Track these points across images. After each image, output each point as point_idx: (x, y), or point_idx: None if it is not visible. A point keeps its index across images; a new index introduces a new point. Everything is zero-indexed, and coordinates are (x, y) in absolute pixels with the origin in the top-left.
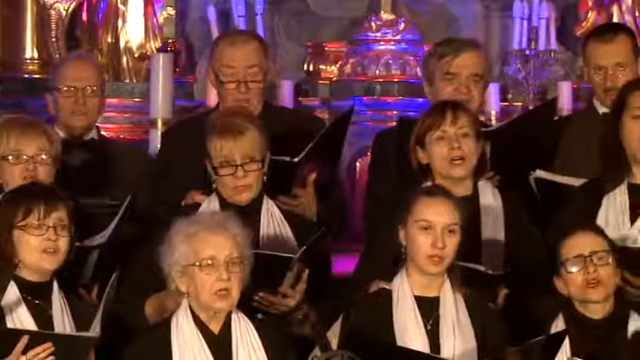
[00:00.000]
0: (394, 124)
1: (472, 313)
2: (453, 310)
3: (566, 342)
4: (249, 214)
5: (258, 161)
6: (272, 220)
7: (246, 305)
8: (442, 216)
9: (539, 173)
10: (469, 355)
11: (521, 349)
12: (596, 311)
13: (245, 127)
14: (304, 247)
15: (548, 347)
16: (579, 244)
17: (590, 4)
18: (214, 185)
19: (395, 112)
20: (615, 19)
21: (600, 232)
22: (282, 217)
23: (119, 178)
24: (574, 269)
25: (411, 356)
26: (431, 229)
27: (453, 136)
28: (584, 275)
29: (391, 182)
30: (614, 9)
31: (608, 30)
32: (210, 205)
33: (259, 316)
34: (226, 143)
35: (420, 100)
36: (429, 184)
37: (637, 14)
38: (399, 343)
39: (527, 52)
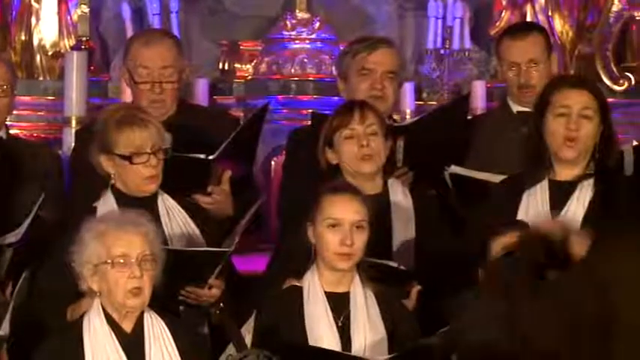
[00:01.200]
0: (309, 122)
1: (382, 308)
2: (364, 305)
3: None
4: (146, 209)
5: (164, 151)
6: (171, 213)
7: (166, 300)
8: (350, 213)
9: (455, 169)
10: (380, 350)
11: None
12: None
13: (148, 119)
14: (236, 240)
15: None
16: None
17: (504, 3)
18: (112, 182)
19: (310, 111)
20: (529, 19)
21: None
22: (179, 208)
23: (28, 177)
24: None
25: (321, 354)
26: (339, 226)
27: (362, 135)
28: None
29: (305, 180)
30: (528, 8)
31: (521, 28)
32: (107, 203)
33: (181, 308)
34: (139, 133)
35: (336, 98)
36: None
37: (550, 13)
38: (310, 339)
39: (441, 51)
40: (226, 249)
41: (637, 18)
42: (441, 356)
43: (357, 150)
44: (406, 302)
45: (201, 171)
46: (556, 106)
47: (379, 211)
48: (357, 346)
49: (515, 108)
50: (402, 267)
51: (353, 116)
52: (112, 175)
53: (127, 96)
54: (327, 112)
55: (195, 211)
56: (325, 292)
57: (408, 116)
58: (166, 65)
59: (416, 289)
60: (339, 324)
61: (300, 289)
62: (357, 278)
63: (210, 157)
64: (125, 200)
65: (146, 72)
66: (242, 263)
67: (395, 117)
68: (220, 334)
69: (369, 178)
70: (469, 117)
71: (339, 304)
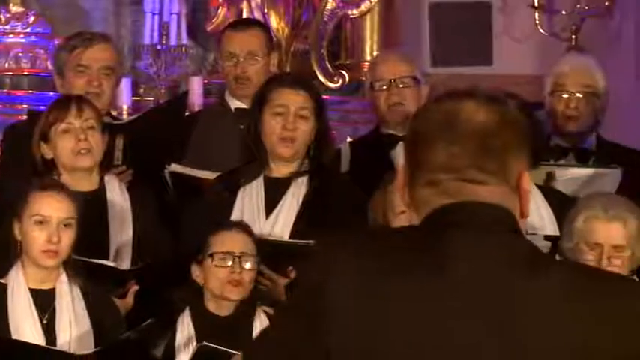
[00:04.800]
0: (25, 117)
1: (89, 304)
2: (70, 301)
3: (193, 332)
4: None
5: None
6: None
7: None
8: (57, 210)
9: (174, 167)
10: (85, 345)
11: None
12: (226, 308)
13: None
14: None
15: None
16: (231, 241)
17: (220, 0)
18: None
19: (25, 106)
20: (245, 16)
21: (249, 231)
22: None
23: None
24: (221, 264)
25: (24, 347)
26: (46, 223)
27: (79, 129)
28: (229, 273)
29: (21, 177)
30: (244, 6)
31: (244, 21)
32: None
33: None
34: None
35: (51, 93)
36: (54, 177)
37: (266, 11)
38: (14, 336)
39: (158, 46)
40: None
41: (351, 16)
42: (140, 349)
43: (74, 145)
44: (123, 302)
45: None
46: (273, 104)
47: (95, 208)
48: (62, 342)
49: (233, 104)
50: (118, 266)
51: (69, 111)
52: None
53: None
54: (42, 107)
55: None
56: (30, 289)
57: (125, 112)
58: None
59: (133, 288)
60: (44, 321)
61: (4, 286)
62: (63, 275)
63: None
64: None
65: None
66: None
67: (112, 113)
68: None
69: (85, 175)
70: (187, 113)
71: (45, 300)
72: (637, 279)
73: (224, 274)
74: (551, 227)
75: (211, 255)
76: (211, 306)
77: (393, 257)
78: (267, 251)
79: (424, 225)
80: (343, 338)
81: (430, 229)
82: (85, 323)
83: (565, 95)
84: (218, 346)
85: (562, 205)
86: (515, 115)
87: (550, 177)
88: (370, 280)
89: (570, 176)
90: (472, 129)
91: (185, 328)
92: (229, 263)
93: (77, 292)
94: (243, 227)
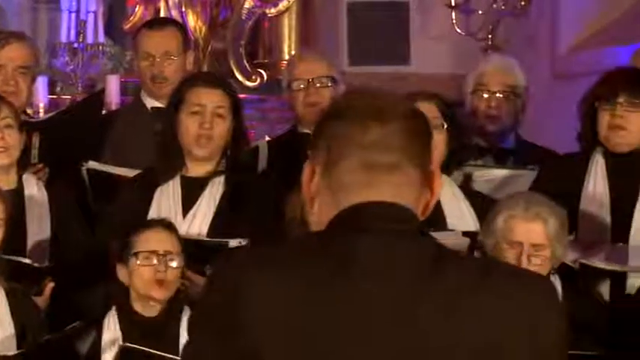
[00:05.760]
0: None
1: (13, 306)
2: None
3: (119, 333)
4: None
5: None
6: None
7: None
8: None
9: (91, 164)
10: (8, 347)
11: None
12: (153, 308)
13: None
14: None
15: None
16: (155, 240)
17: None
18: None
19: None
20: (162, 14)
21: (173, 229)
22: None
23: None
24: (146, 263)
25: None
26: None
27: None
28: (154, 272)
29: None
30: (162, 4)
31: (159, 21)
32: None
33: None
34: None
35: None
36: None
37: (183, 9)
38: None
39: (75, 45)
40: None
41: (269, 15)
42: (64, 351)
43: None
44: (40, 299)
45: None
46: (190, 103)
47: (13, 206)
48: None
49: (150, 104)
50: (35, 264)
51: None
52: None
53: None
54: None
55: None
56: None
57: (41, 110)
58: None
59: (50, 286)
60: None
61: None
62: None
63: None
64: None
65: None
66: None
67: (28, 111)
68: None
69: (3, 173)
70: (104, 112)
71: None
72: (557, 278)
73: (149, 273)
74: (470, 223)
75: (135, 254)
76: (138, 306)
77: (302, 265)
78: (185, 250)
79: (332, 228)
80: (256, 345)
81: (338, 231)
82: (8, 326)
83: (486, 95)
84: (140, 347)
85: (482, 204)
86: (422, 112)
87: (468, 178)
88: (282, 289)
89: (488, 177)
90: (399, 110)
91: (111, 328)
92: (154, 262)
93: (1, 293)
94: (167, 225)
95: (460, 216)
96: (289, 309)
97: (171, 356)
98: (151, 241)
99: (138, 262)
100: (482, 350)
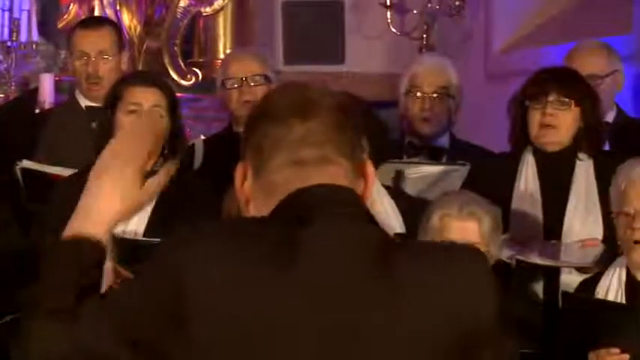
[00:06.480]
0: None
1: None
2: None
3: None
4: None
5: None
6: None
7: None
8: None
9: (26, 163)
10: None
11: None
12: None
13: None
14: None
15: None
16: None
17: None
18: None
19: None
20: (97, 13)
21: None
22: None
23: None
24: None
25: None
26: None
27: None
28: None
29: None
30: (96, 3)
31: (94, 20)
32: None
33: None
34: None
35: None
36: None
37: (118, 8)
38: None
39: (8, 43)
40: None
41: (204, 14)
42: None
43: None
44: None
45: None
46: (126, 102)
47: None
48: None
49: (84, 103)
50: None
51: None
52: None
53: None
54: None
55: None
56: None
57: None
58: None
59: None
60: None
61: None
62: None
63: None
64: None
65: None
66: None
67: None
68: None
69: None
70: (37, 111)
71: None
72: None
73: None
74: (394, 224)
75: None
76: None
77: (245, 249)
78: (121, 250)
79: (277, 213)
80: (197, 328)
81: (283, 218)
82: None
83: (419, 95)
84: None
85: (409, 206)
86: (353, 102)
87: (399, 175)
88: (227, 270)
89: (420, 174)
90: (324, 105)
91: None
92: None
93: None
94: None
95: (385, 216)
96: (226, 291)
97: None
98: None
99: None
100: (424, 332)
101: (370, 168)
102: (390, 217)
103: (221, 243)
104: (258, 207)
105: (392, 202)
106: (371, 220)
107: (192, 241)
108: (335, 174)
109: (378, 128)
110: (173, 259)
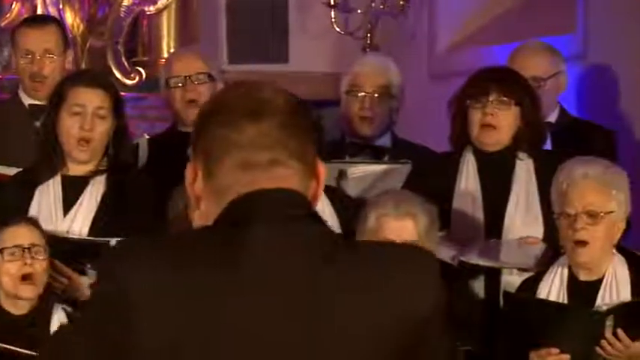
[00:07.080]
0: None
1: None
2: None
3: None
4: None
5: None
6: None
7: None
8: None
9: None
10: None
11: None
12: (22, 306)
13: None
14: None
15: None
16: (19, 235)
17: None
18: None
19: None
20: (40, 11)
21: (36, 224)
22: None
23: None
24: (11, 259)
25: None
26: None
27: None
28: (20, 266)
29: None
30: (39, 1)
31: (39, 18)
32: None
33: None
34: None
35: None
36: None
37: (61, 6)
38: None
39: None
40: None
41: (148, 13)
42: None
43: None
44: None
45: None
46: (70, 103)
47: None
48: None
49: (28, 101)
50: None
51: None
52: None
53: None
54: None
55: None
56: None
57: None
58: None
59: None
60: None
61: None
62: None
63: None
64: None
65: None
66: None
67: None
68: None
69: None
70: None
71: None
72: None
73: (16, 268)
74: (334, 225)
75: (1, 251)
76: (7, 304)
77: (190, 254)
78: (66, 249)
79: (222, 218)
80: (147, 336)
81: (227, 222)
82: None
83: (361, 94)
84: (9, 346)
85: (346, 206)
86: (302, 102)
87: (342, 174)
88: (170, 278)
89: (362, 173)
90: (275, 106)
91: None
92: (20, 256)
93: None
94: (30, 220)
95: (322, 215)
96: (172, 297)
97: (27, 352)
98: (14, 236)
99: (4, 258)
100: (369, 331)
101: (321, 168)
102: (326, 217)
103: (163, 251)
104: (209, 207)
105: (329, 202)
106: (319, 220)
107: (133, 253)
108: (284, 176)
109: (316, 127)
110: (118, 272)
